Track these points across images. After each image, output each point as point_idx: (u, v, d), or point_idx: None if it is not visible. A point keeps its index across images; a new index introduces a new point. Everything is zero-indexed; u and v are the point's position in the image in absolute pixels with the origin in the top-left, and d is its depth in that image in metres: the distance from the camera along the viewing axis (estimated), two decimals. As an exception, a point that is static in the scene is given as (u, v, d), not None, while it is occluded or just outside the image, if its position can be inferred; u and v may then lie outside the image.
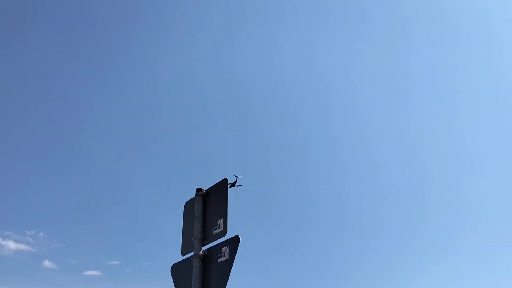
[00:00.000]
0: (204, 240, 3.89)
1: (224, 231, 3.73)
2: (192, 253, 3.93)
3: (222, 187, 3.95)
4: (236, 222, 3.87)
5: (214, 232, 3.83)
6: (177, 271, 4.07)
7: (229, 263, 3.55)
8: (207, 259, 3.78)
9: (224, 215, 3.80)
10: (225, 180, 3.96)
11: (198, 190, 4.15)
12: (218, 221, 3.83)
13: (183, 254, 4.11)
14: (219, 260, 3.65)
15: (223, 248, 3.66)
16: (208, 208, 4.03)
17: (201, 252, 3.83)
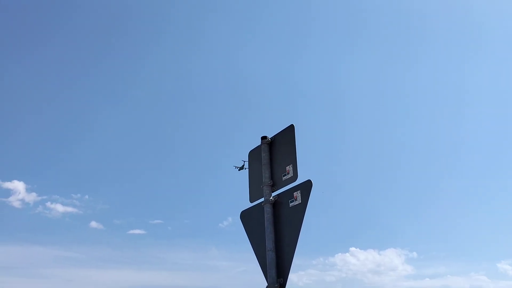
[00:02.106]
0: (274, 186, 3.94)
1: (295, 177, 3.77)
2: (261, 200, 4.01)
3: (289, 134, 3.95)
4: (304, 168, 3.88)
5: (284, 178, 3.87)
6: (247, 217, 4.17)
7: (302, 207, 3.61)
8: (278, 204, 3.85)
9: (293, 161, 3.83)
10: (292, 126, 3.95)
11: (263, 138, 4.17)
12: (287, 167, 3.86)
13: (251, 201, 4.20)
14: (291, 204, 3.71)
15: (295, 193, 3.70)
16: (275, 155, 4.06)
17: (271, 198, 3.90)
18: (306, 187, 3.62)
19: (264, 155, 4.10)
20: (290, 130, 3.96)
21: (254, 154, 4.34)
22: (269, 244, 3.70)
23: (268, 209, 3.85)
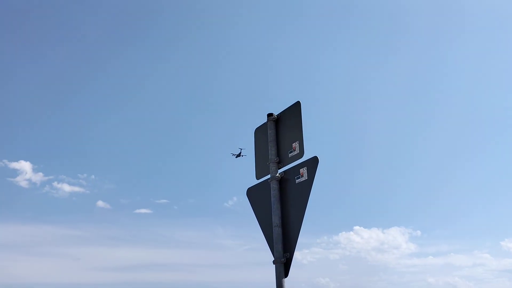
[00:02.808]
0: (280, 163, 3.96)
1: (301, 153, 3.78)
2: (267, 176, 4.03)
3: (295, 111, 3.94)
4: (310, 145, 3.88)
5: (290, 155, 3.88)
6: (254, 194, 4.20)
7: (309, 183, 3.63)
8: (284, 181, 3.87)
9: (299, 138, 3.83)
10: (298, 103, 3.94)
11: (269, 115, 4.16)
12: (294, 144, 3.87)
13: (257, 178, 4.23)
14: (297, 181, 3.73)
15: (301, 169, 3.72)
16: (281, 132, 4.06)
17: (277, 174, 3.92)
18: (313, 163, 3.64)
19: (270, 132, 4.10)
20: (296, 107, 3.95)
21: (260, 131, 4.34)
22: (276, 220, 3.75)
23: (274, 186, 3.88)
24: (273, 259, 3.65)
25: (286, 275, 3.55)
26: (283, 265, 3.57)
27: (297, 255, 3.62)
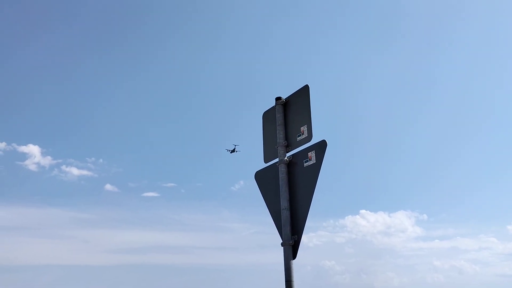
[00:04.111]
0: (288, 147, 3.97)
1: (309, 137, 3.79)
2: (276, 160, 4.05)
3: (303, 94, 3.93)
4: (318, 128, 3.88)
5: (298, 138, 3.89)
6: (262, 177, 4.23)
7: (317, 166, 3.64)
8: (292, 164, 3.89)
9: (308, 121, 3.83)
10: (306, 87, 3.93)
11: (278, 99, 4.16)
12: (302, 128, 3.87)
13: (266, 162, 4.24)
14: (305, 164, 3.75)
15: (309, 153, 3.73)
16: (289, 115, 4.06)
17: (286, 158, 3.93)
18: (321, 147, 3.64)
19: (279, 116, 4.10)
20: (304, 91, 3.94)
21: (268, 115, 4.34)
22: (284, 203, 3.78)
23: (282, 169, 3.90)
24: (281, 241, 3.69)
25: (294, 257, 3.59)
26: (291, 247, 3.61)
27: (303, 238, 3.66)
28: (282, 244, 3.66)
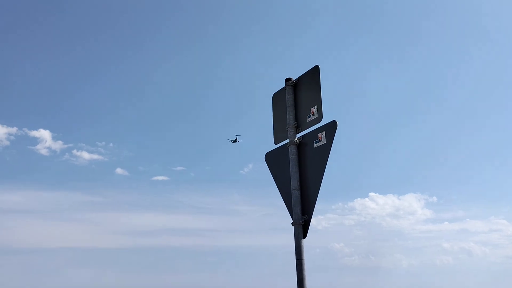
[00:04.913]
0: (298, 128, 3.99)
1: (319, 118, 3.80)
2: (286, 141, 4.08)
3: (313, 75, 3.93)
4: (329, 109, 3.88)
5: (308, 119, 3.90)
6: (272, 158, 4.26)
7: (327, 147, 3.66)
8: (302, 145, 3.91)
9: (318, 102, 3.83)
10: (317, 67, 3.92)
11: (288, 80, 4.16)
12: (312, 109, 3.88)
13: (276, 143, 4.27)
14: (315, 145, 3.77)
15: (319, 134, 3.75)
16: (299, 96, 4.07)
17: (296, 139, 3.95)
18: (331, 127, 3.65)
19: (289, 97, 4.11)
20: (315, 71, 3.93)
21: (278, 97, 4.35)
22: (294, 183, 3.81)
23: (293, 150, 3.92)
24: (292, 221, 3.74)
25: (304, 236, 3.64)
26: (302, 227, 3.66)
27: (312, 221, 3.69)
28: (292, 224, 3.71)
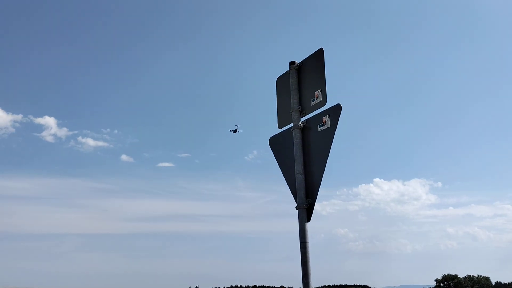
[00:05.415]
0: (302, 112, 3.97)
1: (324, 101, 3.77)
2: (290, 125, 4.06)
3: (318, 58, 3.89)
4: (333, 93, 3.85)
5: (312, 103, 3.88)
6: (276, 142, 4.25)
7: (331, 131, 3.64)
8: (307, 129, 3.89)
9: (322, 86, 3.81)
10: (321, 50, 3.88)
11: (291, 63, 4.12)
12: (316, 92, 3.85)
13: (280, 127, 4.26)
14: (319, 128, 3.75)
15: (324, 117, 3.73)
16: (303, 80, 4.04)
17: (300, 123, 3.94)
18: (335, 111, 3.63)
19: (293, 81, 4.08)
20: (319, 54, 3.89)
21: (282, 81, 4.32)
22: (298, 167, 3.81)
23: (297, 134, 3.91)
24: (296, 205, 3.74)
25: (308, 219, 3.65)
26: (306, 210, 3.67)
27: (316, 206, 3.70)
28: (296, 207, 3.72)
